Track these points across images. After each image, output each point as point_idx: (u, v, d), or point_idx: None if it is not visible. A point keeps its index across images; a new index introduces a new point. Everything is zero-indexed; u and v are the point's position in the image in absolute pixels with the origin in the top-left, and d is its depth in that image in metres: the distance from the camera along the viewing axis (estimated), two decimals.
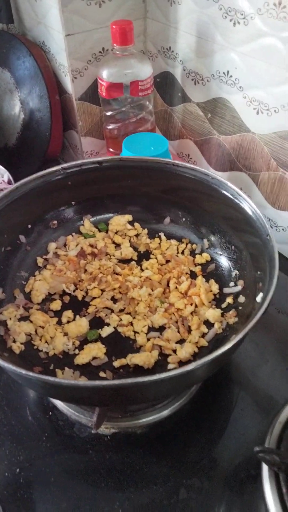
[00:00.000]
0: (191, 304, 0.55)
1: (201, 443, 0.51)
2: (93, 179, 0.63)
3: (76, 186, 0.62)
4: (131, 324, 0.55)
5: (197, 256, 0.62)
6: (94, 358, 0.51)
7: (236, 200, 0.55)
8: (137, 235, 0.66)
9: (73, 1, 0.69)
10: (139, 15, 0.77)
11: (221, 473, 0.48)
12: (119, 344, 0.54)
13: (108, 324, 0.55)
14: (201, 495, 0.47)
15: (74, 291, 0.58)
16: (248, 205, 0.53)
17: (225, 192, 0.56)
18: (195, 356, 0.51)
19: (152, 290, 0.57)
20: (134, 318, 0.55)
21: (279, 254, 0.73)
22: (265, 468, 0.46)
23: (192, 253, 0.63)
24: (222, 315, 0.54)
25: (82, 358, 0.51)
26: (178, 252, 0.63)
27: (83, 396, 0.43)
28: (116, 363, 0.51)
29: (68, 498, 0.47)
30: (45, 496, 0.47)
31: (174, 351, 0.52)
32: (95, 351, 0.51)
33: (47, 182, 0.60)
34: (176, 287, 0.57)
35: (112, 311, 0.56)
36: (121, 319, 0.55)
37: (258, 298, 0.47)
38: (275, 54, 0.59)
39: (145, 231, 0.66)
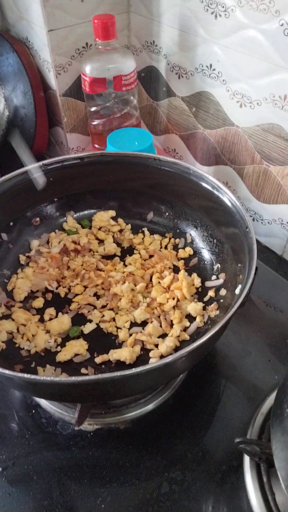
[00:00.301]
0: (173, 299, 0.55)
1: (185, 436, 0.51)
2: (75, 175, 0.62)
3: (58, 182, 0.62)
4: (114, 320, 0.54)
5: (180, 250, 0.62)
6: (76, 355, 0.51)
7: (216, 193, 0.55)
8: (120, 231, 0.65)
9: None
10: (122, 9, 0.77)
11: (204, 466, 0.48)
12: (102, 340, 0.53)
13: (90, 321, 0.55)
14: (184, 488, 0.47)
15: (56, 288, 0.58)
16: (228, 198, 0.53)
17: (205, 185, 0.56)
18: (177, 350, 0.51)
19: (135, 285, 0.57)
20: (116, 314, 0.55)
21: (265, 247, 0.74)
22: (246, 459, 0.46)
23: (175, 247, 0.63)
24: (204, 308, 0.54)
25: (64, 355, 0.50)
26: (161, 247, 0.63)
27: (62, 393, 0.43)
28: (98, 359, 0.50)
29: (51, 495, 0.47)
30: (27, 494, 0.47)
31: (156, 345, 0.52)
32: (77, 348, 0.51)
33: (28, 179, 0.59)
34: (159, 282, 0.57)
35: (95, 307, 0.56)
36: (103, 315, 0.55)
37: (237, 291, 0.47)
38: (256, 46, 0.58)
39: (129, 226, 0.66)
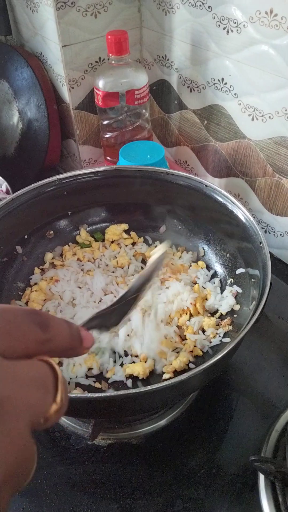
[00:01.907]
0: (186, 313, 0.55)
1: (198, 453, 0.51)
2: (88, 188, 0.63)
3: (72, 196, 0.63)
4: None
5: (192, 264, 0.62)
6: (89, 369, 0.51)
7: (230, 208, 0.55)
8: (133, 244, 0.66)
9: (69, 12, 0.70)
10: (134, 25, 0.78)
11: (218, 483, 0.48)
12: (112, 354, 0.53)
13: None
14: (198, 506, 0.46)
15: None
16: (242, 212, 0.53)
17: (219, 200, 0.56)
18: (190, 365, 0.51)
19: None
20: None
21: (278, 259, 0.74)
22: (261, 477, 0.45)
23: (188, 261, 0.63)
24: (217, 323, 0.54)
25: (77, 369, 0.51)
26: (173, 260, 0.63)
27: (76, 409, 0.43)
28: (109, 374, 0.50)
29: (63, 510, 0.47)
30: (41, 509, 0.47)
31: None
32: (90, 362, 0.51)
33: (43, 193, 0.60)
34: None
35: None
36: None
37: (251, 306, 0.47)
38: (268, 61, 0.59)
39: (141, 239, 0.66)
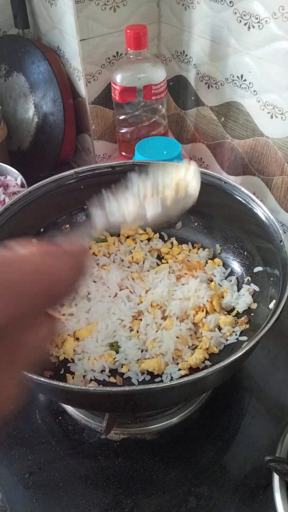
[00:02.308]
0: (203, 310, 0.55)
1: (211, 450, 0.51)
2: (105, 182, 0.62)
3: (89, 190, 0.62)
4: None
5: (209, 261, 0.61)
6: (104, 364, 0.51)
7: (249, 206, 0.54)
8: (148, 239, 0.65)
9: (88, 6, 0.69)
10: (153, 19, 0.77)
11: (231, 482, 0.48)
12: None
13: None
14: (210, 504, 0.46)
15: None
16: (262, 211, 0.52)
17: (238, 197, 0.56)
18: (205, 363, 0.51)
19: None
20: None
21: None
22: (276, 477, 0.45)
23: (204, 258, 0.63)
24: (234, 321, 0.54)
25: (93, 363, 0.50)
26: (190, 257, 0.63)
27: (93, 402, 0.43)
28: (124, 369, 0.50)
29: (77, 503, 0.47)
30: (54, 501, 0.47)
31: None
32: (105, 357, 0.51)
33: (60, 186, 0.60)
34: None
35: None
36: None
37: (271, 305, 0.47)
38: None
39: (157, 235, 0.66)
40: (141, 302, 0.55)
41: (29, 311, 0.22)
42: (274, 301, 0.46)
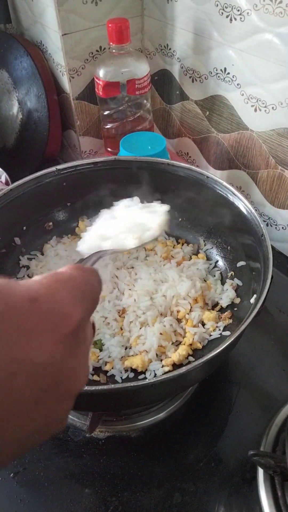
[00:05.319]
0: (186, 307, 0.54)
1: (197, 446, 0.50)
2: (88, 179, 0.62)
3: (71, 187, 0.62)
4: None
5: (193, 256, 0.61)
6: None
7: (231, 200, 0.54)
8: None
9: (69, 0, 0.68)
10: (136, 13, 0.76)
11: (216, 477, 0.48)
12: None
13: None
14: (196, 499, 0.46)
15: None
16: (243, 205, 0.52)
17: (220, 192, 0.55)
18: (189, 358, 0.50)
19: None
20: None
21: (279, 253, 0.73)
22: (260, 471, 0.45)
23: (189, 253, 0.62)
24: (218, 316, 0.53)
25: None
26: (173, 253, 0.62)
27: (75, 401, 0.42)
28: (108, 367, 0.50)
29: (61, 502, 0.47)
30: (39, 501, 0.47)
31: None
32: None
33: (42, 184, 0.59)
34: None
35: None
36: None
37: (252, 300, 0.46)
38: (272, 50, 0.58)
39: None
40: (125, 299, 0.55)
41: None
42: (255, 295, 0.46)
